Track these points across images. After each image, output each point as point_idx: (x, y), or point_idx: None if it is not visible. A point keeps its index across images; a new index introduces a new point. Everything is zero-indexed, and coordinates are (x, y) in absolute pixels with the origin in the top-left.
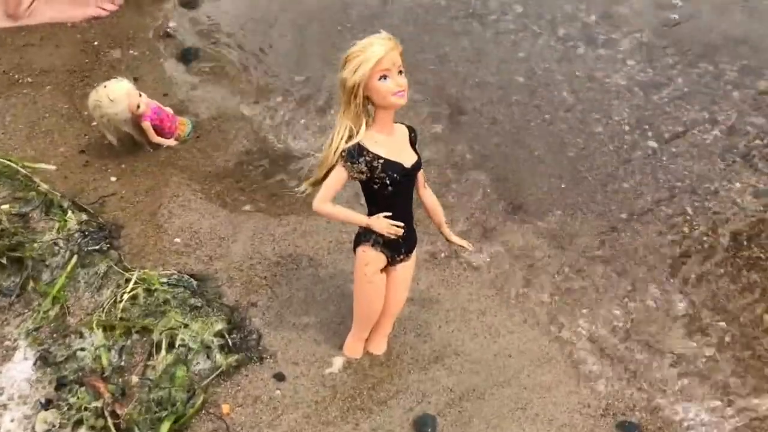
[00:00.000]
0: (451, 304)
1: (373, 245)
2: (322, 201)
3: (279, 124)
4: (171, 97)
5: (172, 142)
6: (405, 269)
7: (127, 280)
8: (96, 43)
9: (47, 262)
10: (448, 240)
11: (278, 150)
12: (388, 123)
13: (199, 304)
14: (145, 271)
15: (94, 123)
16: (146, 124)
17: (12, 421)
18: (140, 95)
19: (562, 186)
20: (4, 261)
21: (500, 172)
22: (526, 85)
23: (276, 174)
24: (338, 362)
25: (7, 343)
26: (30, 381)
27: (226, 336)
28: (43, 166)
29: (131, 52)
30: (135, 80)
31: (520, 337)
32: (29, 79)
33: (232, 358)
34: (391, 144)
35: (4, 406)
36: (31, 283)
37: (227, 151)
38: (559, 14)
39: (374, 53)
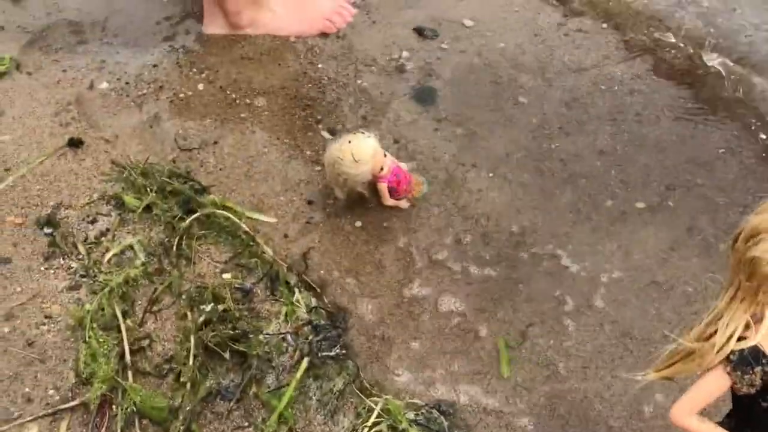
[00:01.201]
0: None
1: None
2: (688, 412)
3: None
4: (402, 147)
5: (404, 204)
6: None
7: (369, 410)
8: (320, 65)
9: (273, 363)
10: None
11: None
12: None
13: None
14: (389, 398)
15: (318, 168)
16: (382, 186)
17: None
18: (385, 155)
19: None
20: (226, 355)
21: None
22: None
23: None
24: None
25: None
26: None
27: None
28: (263, 218)
29: (359, 82)
30: (363, 119)
31: None
32: (247, 101)
33: None
34: None
35: None
36: (254, 387)
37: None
38: None
39: None
